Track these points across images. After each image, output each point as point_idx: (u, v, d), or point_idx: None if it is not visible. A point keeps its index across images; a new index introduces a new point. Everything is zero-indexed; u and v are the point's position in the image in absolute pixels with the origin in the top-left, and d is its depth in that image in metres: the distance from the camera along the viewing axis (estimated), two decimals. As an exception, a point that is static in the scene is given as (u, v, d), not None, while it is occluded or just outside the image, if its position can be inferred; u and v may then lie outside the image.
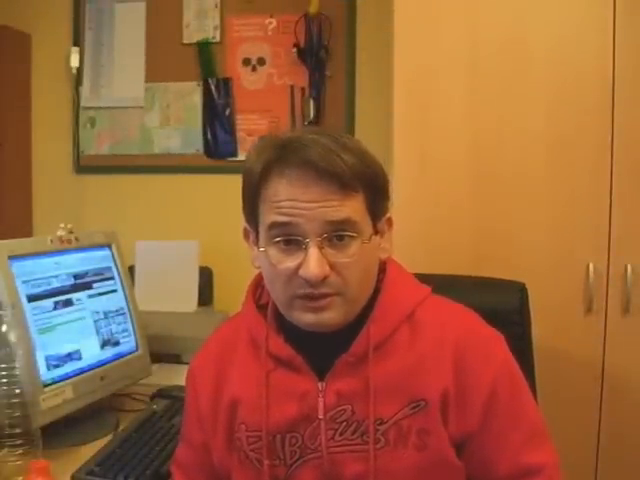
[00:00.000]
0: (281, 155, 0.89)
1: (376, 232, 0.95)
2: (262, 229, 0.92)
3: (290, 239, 0.89)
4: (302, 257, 0.88)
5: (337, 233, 0.89)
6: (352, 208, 0.89)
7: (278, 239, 0.90)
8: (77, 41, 2.45)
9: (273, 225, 0.90)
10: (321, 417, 0.94)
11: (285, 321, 0.98)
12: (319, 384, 0.94)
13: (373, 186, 0.92)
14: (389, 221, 0.99)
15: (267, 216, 0.91)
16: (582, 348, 1.67)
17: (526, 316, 1.36)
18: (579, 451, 1.65)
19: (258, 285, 1.05)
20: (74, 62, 2.42)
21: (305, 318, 0.91)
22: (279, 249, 0.90)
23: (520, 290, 1.37)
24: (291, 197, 0.88)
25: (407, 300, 0.98)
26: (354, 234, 0.89)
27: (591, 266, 1.65)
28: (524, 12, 1.65)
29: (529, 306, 1.36)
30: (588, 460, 1.68)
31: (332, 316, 0.91)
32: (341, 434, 0.93)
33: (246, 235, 1.00)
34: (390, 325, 0.95)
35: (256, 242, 0.95)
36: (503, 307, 1.31)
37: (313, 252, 0.87)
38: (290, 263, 0.89)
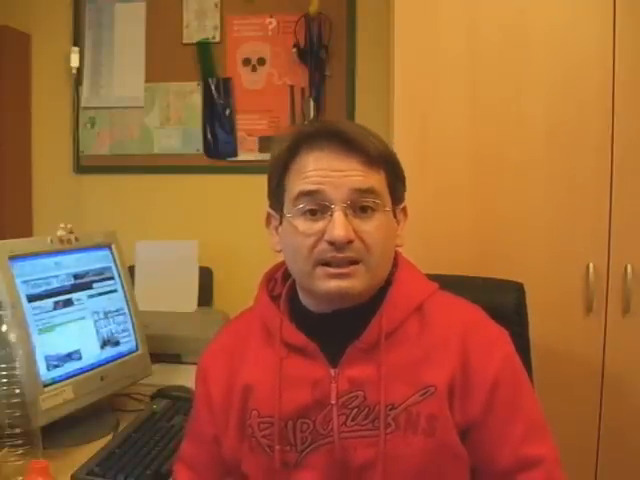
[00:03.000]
0: (311, 131, 0.96)
1: (395, 215, 1.00)
2: (288, 202, 0.97)
3: (316, 208, 0.94)
4: (328, 222, 0.92)
5: (362, 202, 0.94)
6: (376, 180, 0.95)
7: (304, 208, 0.94)
8: (77, 41, 2.44)
9: (301, 194, 0.94)
10: (333, 402, 0.95)
11: (298, 309, 1.01)
12: (332, 370, 0.96)
13: (393, 170, 0.99)
14: (405, 210, 1.04)
15: (295, 187, 0.95)
16: (582, 348, 1.67)
17: (524, 315, 1.36)
18: (579, 451, 1.65)
19: (271, 278, 1.08)
20: (74, 62, 2.41)
21: (327, 285, 0.94)
22: (305, 218, 0.94)
23: (517, 290, 1.37)
24: (319, 167, 0.94)
25: (417, 293, 1.01)
26: (378, 202, 0.94)
27: (591, 266, 1.65)
28: (524, 11, 1.65)
29: (526, 305, 1.37)
30: (588, 460, 1.68)
31: (353, 285, 0.94)
32: (353, 419, 0.95)
33: (268, 221, 1.04)
34: (401, 315, 0.98)
35: (278, 226, 1.00)
36: (501, 306, 1.31)
37: (339, 216, 0.92)
38: (316, 229, 0.93)
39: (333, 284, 0.93)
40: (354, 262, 0.93)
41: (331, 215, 0.92)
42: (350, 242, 0.92)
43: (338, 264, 0.93)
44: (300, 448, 0.97)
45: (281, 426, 0.97)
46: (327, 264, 0.93)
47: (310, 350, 0.97)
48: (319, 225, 0.93)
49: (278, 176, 0.98)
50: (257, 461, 0.99)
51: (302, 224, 0.94)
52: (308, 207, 0.94)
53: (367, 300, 0.98)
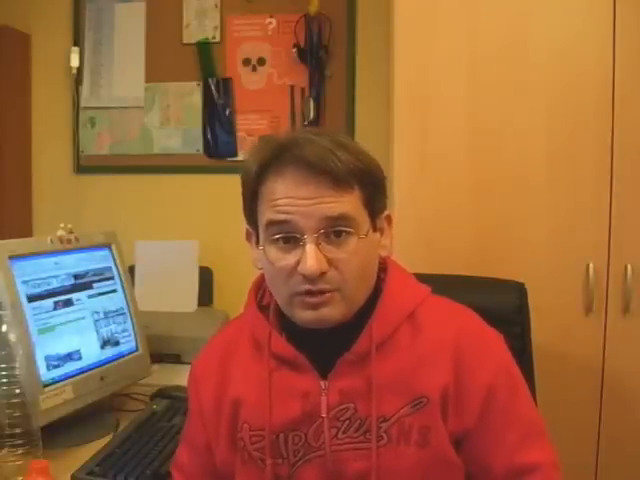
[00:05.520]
0: (277, 155, 0.91)
1: (375, 229, 0.96)
2: (261, 228, 0.94)
3: (288, 237, 0.91)
4: (300, 254, 0.89)
5: (334, 229, 0.90)
6: (348, 204, 0.91)
7: (276, 237, 0.91)
8: (77, 41, 2.45)
9: (271, 223, 0.91)
10: (324, 415, 0.94)
11: (287, 321, 0.99)
12: (322, 383, 0.95)
13: (369, 182, 0.94)
14: (388, 218, 1.00)
15: (265, 215, 0.92)
16: (582, 348, 1.67)
17: (525, 316, 1.36)
18: (579, 451, 1.65)
19: (260, 287, 1.06)
20: (74, 62, 2.42)
21: (305, 315, 0.92)
22: (278, 247, 0.92)
23: (519, 290, 1.37)
24: (287, 195, 0.90)
25: (408, 300, 0.99)
26: (351, 230, 0.91)
27: (591, 266, 1.65)
28: (524, 13, 1.65)
29: (528, 306, 1.37)
30: (588, 461, 1.68)
31: (331, 312, 0.92)
32: (344, 432, 0.94)
33: (248, 237, 1.01)
34: (392, 324, 0.96)
35: (257, 243, 0.96)
36: (502, 307, 1.32)
37: (310, 248, 0.88)
38: (288, 260, 0.91)
39: (310, 314, 0.92)
40: (329, 290, 0.91)
41: (303, 245, 0.89)
42: (323, 274, 0.89)
43: (314, 294, 0.91)
44: (292, 461, 0.96)
45: (272, 439, 0.96)
46: (302, 294, 0.91)
47: (300, 363, 0.96)
48: (292, 256, 0.90)
49: (250, 198, 0.95)
50: (249, 474, 0.98)
51: (274, 254, 0.91)
52: (279, 236, 0.91)
53: (355, 312, 0.96)
